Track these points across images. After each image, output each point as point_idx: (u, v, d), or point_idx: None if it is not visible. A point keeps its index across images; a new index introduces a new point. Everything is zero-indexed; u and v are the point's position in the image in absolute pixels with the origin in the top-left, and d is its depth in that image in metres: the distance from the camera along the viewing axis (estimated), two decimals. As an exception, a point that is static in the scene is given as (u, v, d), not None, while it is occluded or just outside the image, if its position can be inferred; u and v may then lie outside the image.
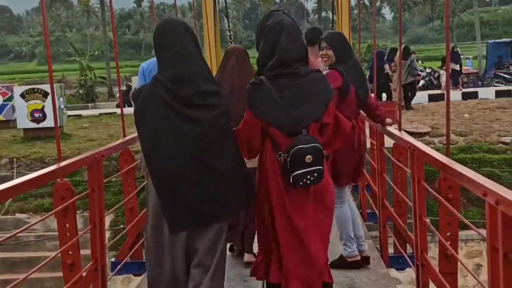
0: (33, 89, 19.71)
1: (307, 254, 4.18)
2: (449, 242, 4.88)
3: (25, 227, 5.71)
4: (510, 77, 32.14)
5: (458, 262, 4.93)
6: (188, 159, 3.95)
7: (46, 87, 18.80)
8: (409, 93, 21.11)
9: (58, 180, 5.13)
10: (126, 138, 7.02)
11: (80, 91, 38.70)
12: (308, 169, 3.98)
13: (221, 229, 4.14)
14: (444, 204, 4.78)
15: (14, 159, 16.25)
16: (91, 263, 5.27)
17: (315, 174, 4.03)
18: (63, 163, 5.09)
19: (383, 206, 7.17)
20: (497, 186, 3.19)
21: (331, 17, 22.67)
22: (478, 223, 10.20)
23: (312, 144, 4.00)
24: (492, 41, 42.95)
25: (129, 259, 7.03)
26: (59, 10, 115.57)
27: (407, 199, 6.36)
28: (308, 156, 3.96)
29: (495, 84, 31.19)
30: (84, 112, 28.66)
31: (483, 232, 3.75)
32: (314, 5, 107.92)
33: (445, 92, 21.36)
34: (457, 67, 29.00)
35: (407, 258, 6.42)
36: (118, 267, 6.86)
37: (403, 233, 6.61)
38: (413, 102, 21.53)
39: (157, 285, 4.26)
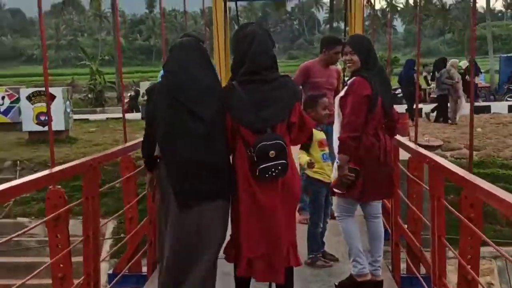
0: (39, 91, 19.39)
1: (270, 233, 4.53)
2: (469, 266, 4.55)
3: (10, 236, 5.34)
4: (524, 92, 31.73)
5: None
6: (189, 148, 4.46)
7: (53, 90, 18.43)
8: (440, 107, 21.06)
9: (50, 187, 4.85)
10: (127, 144, 6.76)
11: (89, 95, 38.75)
12: (272, 163, 4.40)
13: (224, 209, 4.62)
14: (466, 225, 4.44)
15: (17, 162, 15.98)
16: (83, 277, 4.96)
17: (279, 167, 4.44)
18: (55, 169, 4.82)
19: (396, 223, 6.79)
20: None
21: (343, 27, 22.36)
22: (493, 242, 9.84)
23: (276, 141, 4.42)
24: (505, 55, 42.46)
25: (127, 271, 6.74)
26: (71, 14, 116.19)
27: (423, 217, 6.03)
28: (272, 152, 4.39)
29: (508, 99, 30.73)
30: (91, 116, 28.47)
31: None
32: (325, 15, 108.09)
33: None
34: (476, 80, 28.61)
35: (421, 280, 6.07)
36: (115, 279, 6.59)
37: (418, 253, 6.25)
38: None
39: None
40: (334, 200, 6.20)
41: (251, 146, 4.44)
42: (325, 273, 6.36)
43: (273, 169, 4.41)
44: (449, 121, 20.58)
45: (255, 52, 4.53)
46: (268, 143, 4.39)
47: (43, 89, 19.54)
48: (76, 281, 5.00)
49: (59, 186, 4.94)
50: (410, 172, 6.55)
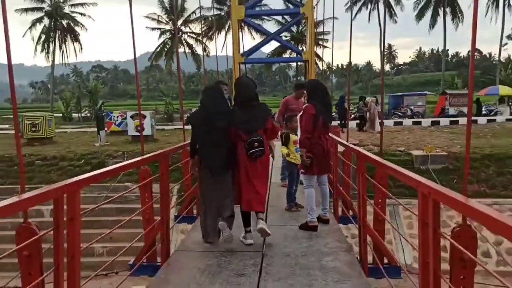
0: (137, 113, 19.33)
1: (255, 190, 4.56)
2: (380, 211, 4.35)
3: (121, 193, 5.10)
4: (402, 114, 31.71)
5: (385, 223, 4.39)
6: (212, 144, 4.47)
7: (144, 113, 18.71)
8: (359, 123, 21.37)
9: (142, 166, 4.64)
10: (185, 142, 6.52)
11: (165, 116, 38.50)
12: (256, 149, 4.49)
13: (231, 178, 4.63)
14: (378, 188, 4.22)
15: (125, 152, 15.76)
16: (160, 218, 4.74)
17: (260, 152, 4.52)
18: (145, 156, 4.62)
19: (336, 187, 6.56)
20: (425, 180, 2.58)
21: (303, 79, 22.31)
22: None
23: (258, 137, 4.51)
24: (391, 94, 42.11)
25: (185, 214, 6.53)
26: (155, 72, 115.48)
27: (352, 183, 5.79)
28: (256, 143, 4.49)
29: (393, 118, 30.60)
30: (166, 127, 28.22)
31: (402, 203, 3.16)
32: (293, 73, 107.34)
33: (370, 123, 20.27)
34: (378, 108, 28.59)
35: (351, 219, 5.84)
36: (178, 219, 6.43)
37: (349, 203, 6.02)
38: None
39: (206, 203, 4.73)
40: (302, 175, 5.96)
41: (244, 141, 4.51)
42: (296, 215, 6.10)
43: (257, 153, 4.49)
44: (363, 130, 20.56)
45: (245, 92, 4.61)
46: (254, 138, 4.48)
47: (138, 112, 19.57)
48: (156, 218, 4.81)
49: (147, 166, 4.76)
50: (344, 158, 6.33)
